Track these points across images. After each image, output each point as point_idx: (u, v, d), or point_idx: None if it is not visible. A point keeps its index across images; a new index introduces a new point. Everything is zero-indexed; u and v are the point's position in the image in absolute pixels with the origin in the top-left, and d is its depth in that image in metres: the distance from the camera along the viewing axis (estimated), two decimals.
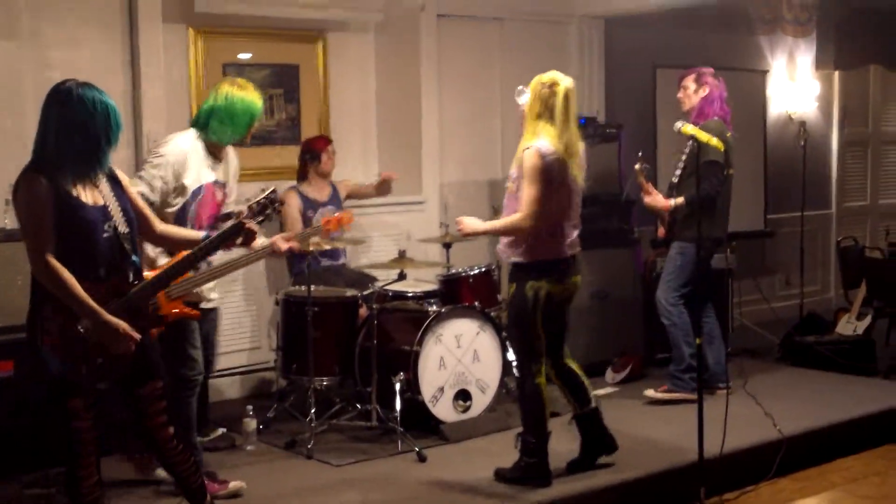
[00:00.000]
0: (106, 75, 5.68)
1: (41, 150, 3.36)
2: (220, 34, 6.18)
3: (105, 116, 3.37)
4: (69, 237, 3.33)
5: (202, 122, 4.45)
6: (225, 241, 3.72)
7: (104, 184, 3.52)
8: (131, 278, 3.49)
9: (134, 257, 3.50)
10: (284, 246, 4.56)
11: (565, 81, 4.40)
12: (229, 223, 3.82)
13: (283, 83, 6.47)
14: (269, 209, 4.05)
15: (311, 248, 4.98)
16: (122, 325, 3.35)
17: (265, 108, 6.35)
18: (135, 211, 3.56)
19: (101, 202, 3.46)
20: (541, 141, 4.31)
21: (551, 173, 4.27)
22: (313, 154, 6.02)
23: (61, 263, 3.30)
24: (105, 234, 3.40)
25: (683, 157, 5.73)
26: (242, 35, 6.30)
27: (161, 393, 3.61)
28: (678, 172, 5.77)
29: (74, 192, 3.37)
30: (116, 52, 5.73)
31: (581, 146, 4.55)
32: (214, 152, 4.49)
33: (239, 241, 3.77)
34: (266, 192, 4.05)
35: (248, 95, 4.46)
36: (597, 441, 4.67)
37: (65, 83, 3.40)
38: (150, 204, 4.18)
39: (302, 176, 6.07)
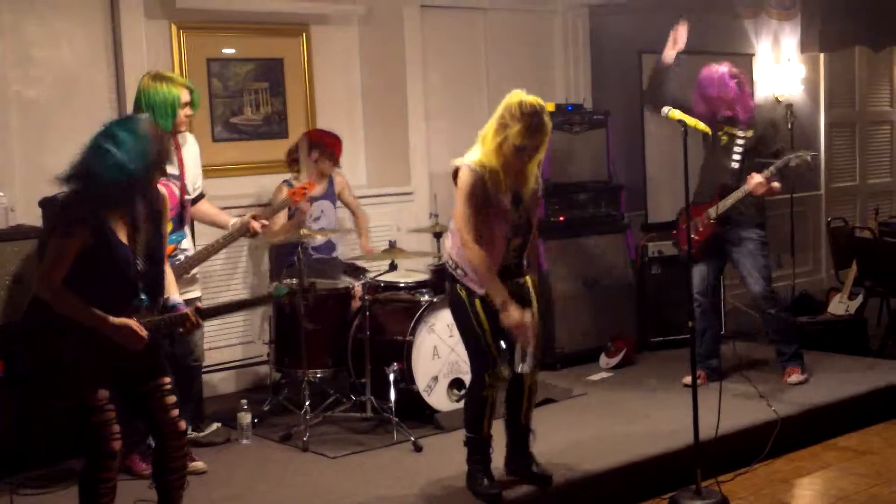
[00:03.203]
0: (88, 72, 5.66)
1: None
2: (203, 29, 6.15)
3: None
4: (88, 273, 3.36)
5: None
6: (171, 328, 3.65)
7: (140, 209, 3.49)
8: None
9: (143, 296, 3.47)
10: (257, 225, 4.63)
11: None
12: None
13: (267, 77, 6.44)
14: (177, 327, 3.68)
15: (301, 239, 4.96)
16: (130, 322, 3.41)
17: (251, 102, 6.40)
18: None
19: (130, 240, 3.46)
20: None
21: None
22: (322, 151, 5.80)
23: (72, 289, 3.34)
24: (125, 275, 3.43)
25: (741, 144, 5.49)
26: (225, 30, 6.27)
27: (170, 387, 3.62)
28: (738, 158, 5.51)
29: (113, 227, 3.40)
30: (99, 49, 5.70)
31: None
32: None
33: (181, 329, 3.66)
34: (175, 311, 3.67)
35: (165, 85, 4.41)
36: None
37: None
38: None
39: (296, 165, 5.85)
